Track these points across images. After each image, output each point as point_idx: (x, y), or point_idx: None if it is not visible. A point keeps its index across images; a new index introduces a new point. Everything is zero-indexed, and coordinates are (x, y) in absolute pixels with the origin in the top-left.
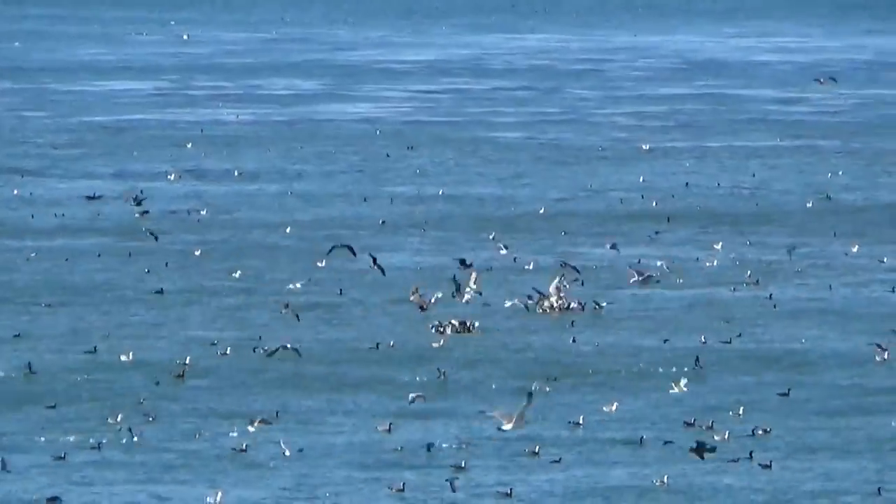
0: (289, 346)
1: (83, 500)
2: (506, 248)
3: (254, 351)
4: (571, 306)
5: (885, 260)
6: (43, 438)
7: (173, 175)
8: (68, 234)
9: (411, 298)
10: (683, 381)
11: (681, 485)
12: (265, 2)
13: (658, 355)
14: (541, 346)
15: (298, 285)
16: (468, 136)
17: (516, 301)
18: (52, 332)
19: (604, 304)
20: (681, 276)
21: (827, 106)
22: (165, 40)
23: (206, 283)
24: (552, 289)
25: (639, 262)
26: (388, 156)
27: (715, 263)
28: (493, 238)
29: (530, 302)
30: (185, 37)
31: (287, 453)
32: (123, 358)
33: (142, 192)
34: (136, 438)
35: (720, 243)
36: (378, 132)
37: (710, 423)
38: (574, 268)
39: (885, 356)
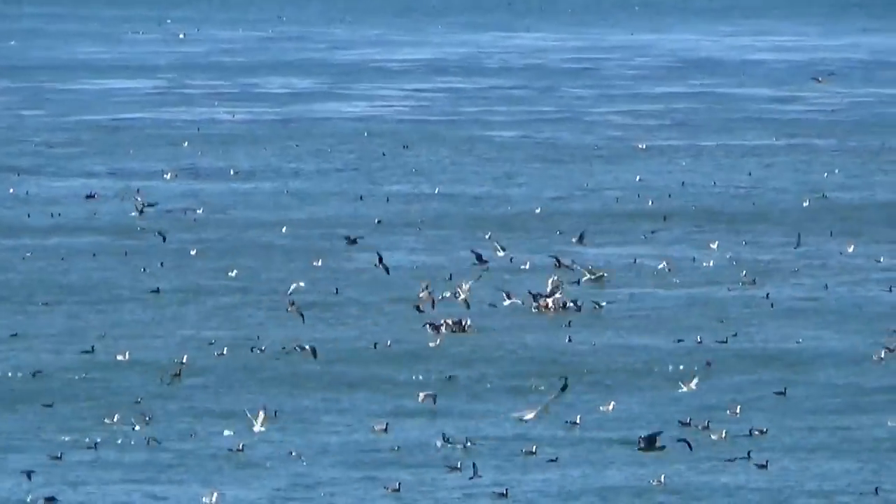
0: (307, 346)
1: (79, 500)
2: (503, 249)
3: (252, 351)
4: (568, 305)
5: (881, 259)
6: (39, 438)
7: (169, 174)
8: (64, 233)
9: (420, 295)
10: (680, 381)
11: (677, 484)
12: (262, 0)
13: (654, 355)
14: (537, 345)
15: (302, 284)
16: (464, 134)
17: (513, 300)
18: (49, 332)
19: (603, 304)
20: (677, 276)
21: (823, 105)
22: (162, 39)
23: (203, 282)
24: (549, 288)
25: (634, 260)
26: (383, 154)
27: (711, 263)
28: (489, 237)
29: (527, 301)
30: (181, 35)
31: (283, 453)
32: (120, 357)
33: (150, 203)
34: (132, 438)
35: (716, 242)
36: (366, 133)
37: (706, 423)
38: (568, 266)
39: (883, 355)
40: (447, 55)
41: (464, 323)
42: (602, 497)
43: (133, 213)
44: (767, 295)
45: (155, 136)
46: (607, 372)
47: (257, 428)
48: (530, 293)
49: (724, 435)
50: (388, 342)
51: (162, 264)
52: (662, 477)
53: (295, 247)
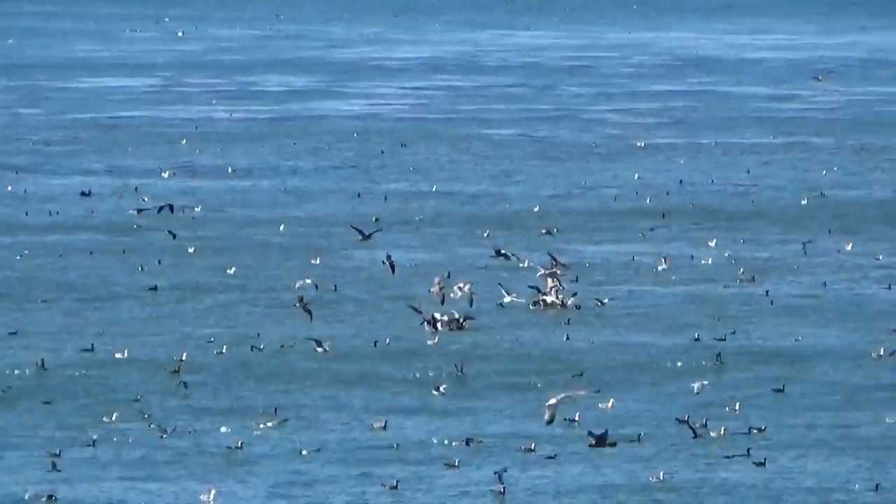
0: (326, 346)
1: (77, 497)
2: (507, 257)
3: (251, 349)
4: (566, 303)
5: (880, 257)
6: (38, 435)
7: (167, 172)
8: (62, 231)
9: (432, 290)
10: (679, 379)
11: (676, 481)
12: None
13: (653, 353)
14: (535, 343)
15: (308, 281)
16: (462, 133)
17: (512, 298)
18: (47, 329)
19: (605, 301)
20: (675, 273)
21: (821, 103)
22: (160, 37)
23: (201, 280)
24: (548, 286)
25: (633, 258)
26: (381, 153)
27: (710, 261)
28: (488, 235)
29: (525, 299)
30: (179, 34)
31: (281, 450)
32: (118, 355)
33: (161, 204)
34: (130, 436)
35: (714, 240)
36: (363, 132)
37: (705, 421)
38: (563, 264)
39: (882, 353)
40: (445, 53)
41: (461, 321)
42: (600, 494)
43: (131, 211)
44: (766, 293)
45: (153, 134)
46: (606, 369)
47: (263, 426)
48: (530, 289)
49: (722, 432)
50: (387, 340)
51: (160, 262)
52: (661, 474)
53: (293, 245)
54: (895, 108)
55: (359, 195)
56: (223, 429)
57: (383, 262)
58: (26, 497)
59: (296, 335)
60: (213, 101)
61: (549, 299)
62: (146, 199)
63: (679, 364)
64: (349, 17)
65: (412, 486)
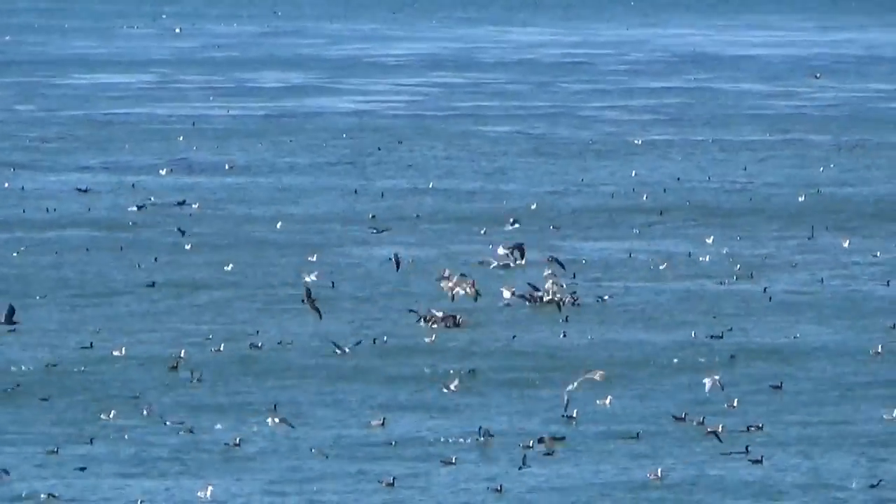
0: (345, 348)
1: (75, 493)
2: (512, 260)
3: (249, 346)
4: (564, 300)
5: (877, 254)
6: (35, 432)
7: (164, 168)
8: (59, 228)
9: (441, 285)
10: (675, 375)
11: (673, 478)
12: None
13: (650, 349)
14: (532, 340)
15: (314, 277)
16: (458, 129)
17: (510, 295)
18: (45, 326)
19: (605, 298)
20: (672, 270)
21: (817, 100)
22: (156, 33)
23: (198, 277)
24: (547, 284)
25: (630, 255)
26: (378, 149)
27: (706, 258)
28: (485, 233)
29: (523, 297)
30: (176, 30)
31: (278, 447)
32: (116, 352)
33: (185, 200)
34: (127, 432)
35: (711, 237)
36: (351, 132)
37: (702, 418)
38: (560, 263)
39: (880, 349)
40: (442, 50)
41: (458, 318)
42: (598, 491)
43: (130, 208)
44: (764, 289)
45: (149, 130)
46: (603, 366)
47: (260, 422)
48: (528, 287)
49: (720, 429)
50: (385, 337)
51: (156, 259)
52: (659, 471)
53: (290, 241)
54: (891, 105)
55: (355, 192)
56: (220, 425)
57: (390, 258)
58: (24, 494)
59: (294, 332)
60: (210, 98)
61: (546, 296)
62: (153, 199)
63: (676, 361)
64: (345, 13)
65: (409, 483)
